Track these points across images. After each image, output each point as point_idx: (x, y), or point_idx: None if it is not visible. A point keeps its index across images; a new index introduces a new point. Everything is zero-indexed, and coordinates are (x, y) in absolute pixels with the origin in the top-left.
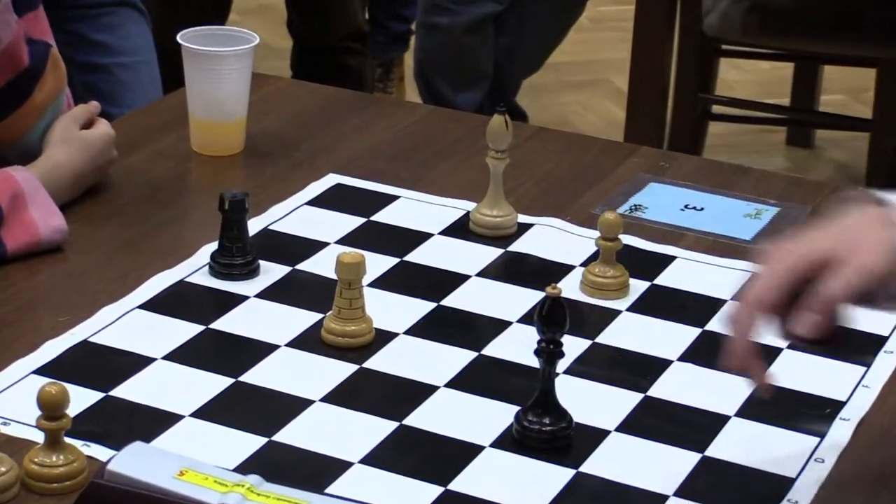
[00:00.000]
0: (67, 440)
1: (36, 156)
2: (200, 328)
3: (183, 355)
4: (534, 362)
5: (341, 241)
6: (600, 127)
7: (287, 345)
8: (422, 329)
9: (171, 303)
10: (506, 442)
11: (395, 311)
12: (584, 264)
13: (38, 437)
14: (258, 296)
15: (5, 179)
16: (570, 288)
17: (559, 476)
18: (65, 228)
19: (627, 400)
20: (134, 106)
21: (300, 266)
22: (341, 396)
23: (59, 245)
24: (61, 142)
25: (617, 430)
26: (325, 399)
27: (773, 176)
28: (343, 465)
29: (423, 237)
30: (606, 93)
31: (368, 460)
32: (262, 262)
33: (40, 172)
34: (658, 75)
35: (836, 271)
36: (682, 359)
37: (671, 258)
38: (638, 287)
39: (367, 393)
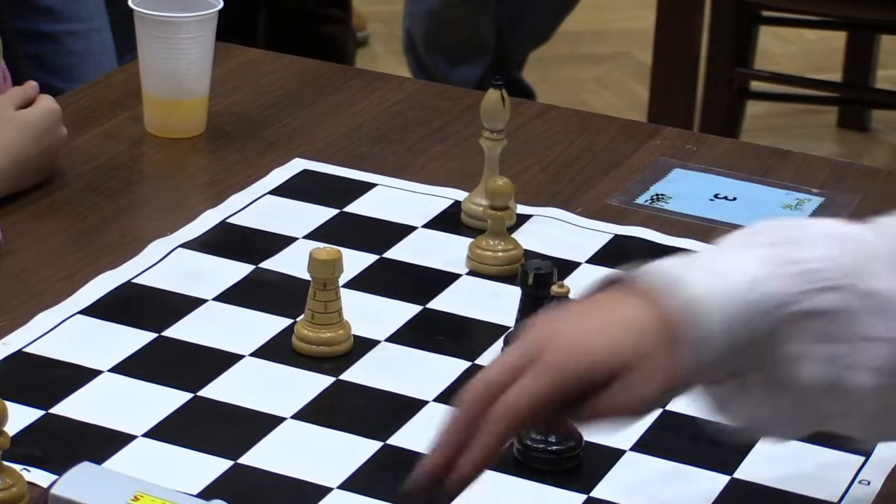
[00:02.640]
0: (4, 463)
1: None
2: (152, 336)
3: (133, 367)
4: None
5: (311, 236)
6: (619, 107)
7: (252, 354)
8: (407, 336)
9: (118, 307)
10: (506, 463)
11: (375, 315)
12: (590, 261)
13: None
14: (217, 299)
15: None
16: (577, 287)
17: (567, 502)
18: None
19: None
20: (87, 80)
21: (265, 264)
22: (316, 413)
23: None
24: None
25: (632, 449)
26: (298, 416)
27: (816, 161)
28: (320, 491)
29: (405, 230)
30: (627, 67)
31: (348, 485)
32: (220, 261)
33: None
34: (687, 47)
35: (521, 381)
36: None
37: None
38: None
39: (345, 409)
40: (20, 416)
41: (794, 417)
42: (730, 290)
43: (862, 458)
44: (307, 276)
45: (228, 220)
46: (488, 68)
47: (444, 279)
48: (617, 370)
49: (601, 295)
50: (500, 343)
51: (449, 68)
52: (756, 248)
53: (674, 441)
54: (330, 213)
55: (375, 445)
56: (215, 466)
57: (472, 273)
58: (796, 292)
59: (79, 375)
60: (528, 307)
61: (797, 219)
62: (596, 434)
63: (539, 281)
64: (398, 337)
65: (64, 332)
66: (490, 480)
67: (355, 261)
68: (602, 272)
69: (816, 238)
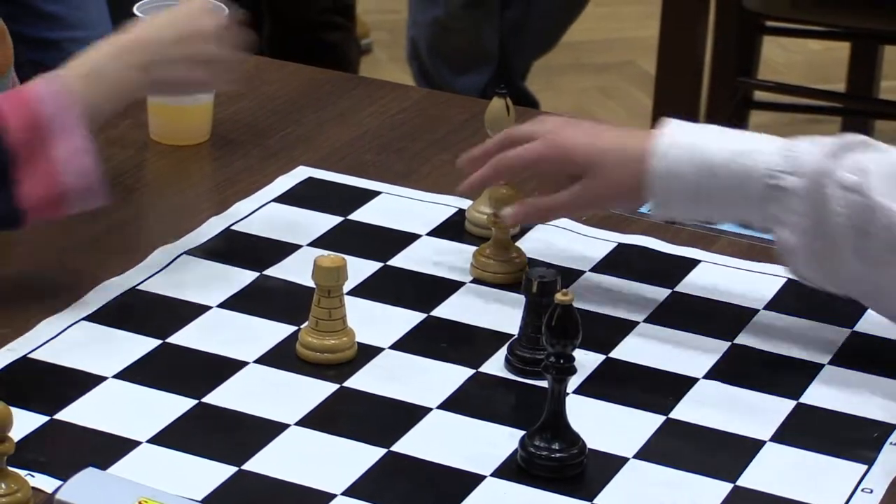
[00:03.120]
0: (9, 469)
1: None
2: (157, 342)
3: (137, 373)
4: (540, 380)
5: (315, 244)
6: (623, 116)
7: (257, 361)
8: (410, 343)
9: (122, 314)
10: (509, 471)
11: (379, 322)
12: (594, 269)
13: None
14: (221, 305)
15: (22, 102)
16: (579, 296)
17: None
18: (95, 171)
19: (647, 423)
20: None
21: (269, 272)
22: (320, 420)
23: (89, 198)
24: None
25: (636, 457)
26: (302, 423)
27: None
28: (323, 498)
29: (409, 238)
30: (631, 76)
31: (352, 492)
32: (225, 268)
33: (98, 57)
34: (691, 56)
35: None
36: (708, 376)
37: (694, 262)
38: (657, 295)
39: (349, 416)
40: (24, 422)
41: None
42: (714, 145)
43: (865, 466)
44: (311, 284)
45: (233, 228)
46: (492, 77)
47: (447, 287)
48: (588, 167)
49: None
50: (503, 351)
51: (452, 77)
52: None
53: (677, 449)
54: (334, 220)
55: (379, 452)
56: (219, 473)
57: (475, 281)
58: (782, 169)
59: (83, 381)
60: (533, 314)
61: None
62: (598, 440)
63: (543, 289)
64: (402, 344)
65: (68, 338)
66: (494, 488)
67: (359, 268)
68: (606, 281)
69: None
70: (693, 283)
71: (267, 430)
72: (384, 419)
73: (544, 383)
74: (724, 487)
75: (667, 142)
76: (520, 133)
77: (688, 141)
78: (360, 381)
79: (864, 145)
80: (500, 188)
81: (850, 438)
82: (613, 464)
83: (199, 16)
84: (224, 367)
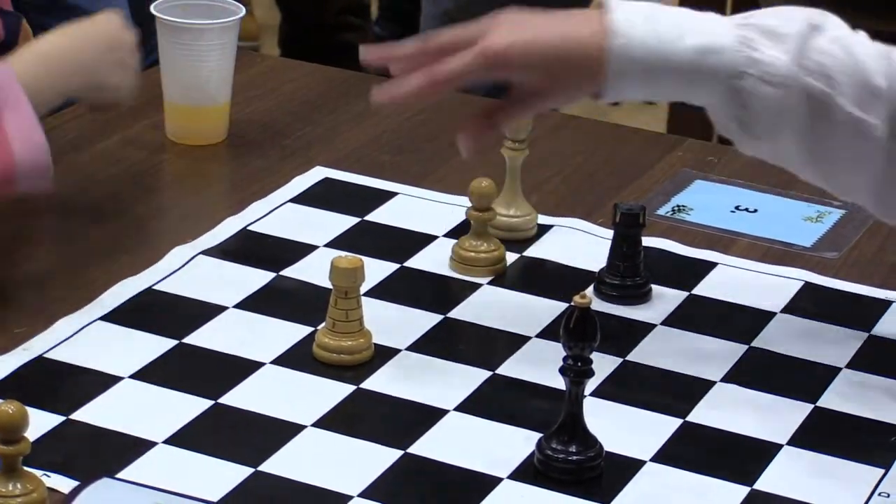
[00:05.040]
0: (25, 469)
1: None
2: (173, 343)
3: (154, 374)
4: (557, 382)
5: (332, 244)
6: (639, 118)
7: (273, 362)
8: (427, 344)
9: (139, 314)
10: (526, 473)
11: (396, 323)
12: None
13: None
14: (238, 306)
15: None
16: (597, 299)
17: None
18: (44, 146)
19: (664, 426)
20: None
21: (286, 272)
22: (337, 421)
23: (37, 176)
24: (54, 34)
25: (653, 460)
26: (319, 424)
27: None
28: (340, 499)
29: (426, 239)
30: None
31: (369, 493)
32: (241, 268)
33: (23, 60)
34: None
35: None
36: (725, 379)
37: (712, 265)
38: (675, 298)
39: (366, 417)
40: (40, 422)
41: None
42: (676, 39)
43: (882, 471)
44: (328, 285)
45: (249, 228)
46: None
47: (465, 288)
48: (536, 80)
49: (577, 10)
50: (519, 353)
51: None
52: (740, 28)
53: (694, 452)
54: (351, 221)
55: (396, 454)
56: (236, 474)
57: (491, 283)
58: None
59: (99, 381)
60: (616, 244)
61: (817, 14)
62: (615, 443)
63: (626, 220)
64: (419, 346)
65: (84, 338)
66: (510, 490)
67: (376, 269)
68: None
69: (800, 36)
70: (710, 286)
71: (283, 432)
72: (401, 421)
73: (561, 385)
74: (741, 491)
75: (623, 24)
76: (449, 40)
77: (642, 30)
78: (377, 382)
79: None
80: (482, 181)
81: (867, 442)
82: (631, 467)
83: (122, 28)
84: (240, 368)
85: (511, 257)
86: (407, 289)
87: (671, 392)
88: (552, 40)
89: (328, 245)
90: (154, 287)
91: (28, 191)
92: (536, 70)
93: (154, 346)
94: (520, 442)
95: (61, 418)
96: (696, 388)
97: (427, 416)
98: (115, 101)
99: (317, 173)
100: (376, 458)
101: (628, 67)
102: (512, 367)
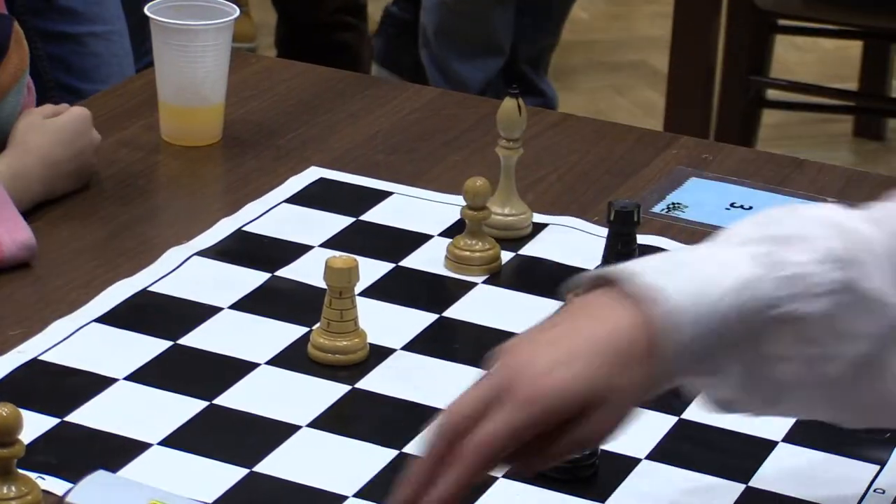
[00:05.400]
0: (19, 471)
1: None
2: (168, 344)
3: (148, 375)
4: None
5: (327, 244)
6: (636, 115)
7: (268, 363)
8: (422, 344)
9: (134, 315)
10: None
11: (391, 323)
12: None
13: None
14: (233, 307)
15: None
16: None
17: None
18: (33, 244)
19: (660, 423)
20: (109, 83)
21: (281, 273)
22: (332, 421)
23: (24, 262)
24: (26, 131)
25: (648, 458)
26: (314, 424)
27: (832, 170)
28: (335, 500)
29: (421, 239)
30: (643, 75)
31: (364, 493)
32: (236, 269)
33: (4, 170)
34: (703, 55)
35: (493, 414)
36: None
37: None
38: None
39: (361, 417)
40: (35, 424)
41: (766, 403)
42: (713, 295)
43: (877, 467)
44: (323, 285)
45: (244, 229)
46: (501, 70)
47: (460, 287)
48: (589, 402)
49: (584, 300)
50: None
51: (459, 63)
52: (748, 246)
53: (689, 450)
54: (346, 221)
55: (391, 454)
56: (231, 475)
57: (486, 282)
58: (785, 296)
59: (94, 383)
60: (610, 243)
61: (791, 207)
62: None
63: (620, 217)
64: (414, 345)
65: (79, 339)
66: (506, 489)
67: (371, 269)
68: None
69: (810, 234)
70: None
71: (278, 432)
72: (396, 421)
73: None
74: (737, 488)
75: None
76: (469, 404)
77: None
78: (372, 382)
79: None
80: (476, 179)
81: (863, 439)
82: (626, 465)
83: (88, 129)
84: (235, 369)
85: (506, 256)
86: (402, 288)
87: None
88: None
89: (323, 245)
90: (149, 288)
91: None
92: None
93: (149, 347)
94: None
95: (56, 420)
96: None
97: (422, 416)
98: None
99: (311, 173)
100: (371, 459)
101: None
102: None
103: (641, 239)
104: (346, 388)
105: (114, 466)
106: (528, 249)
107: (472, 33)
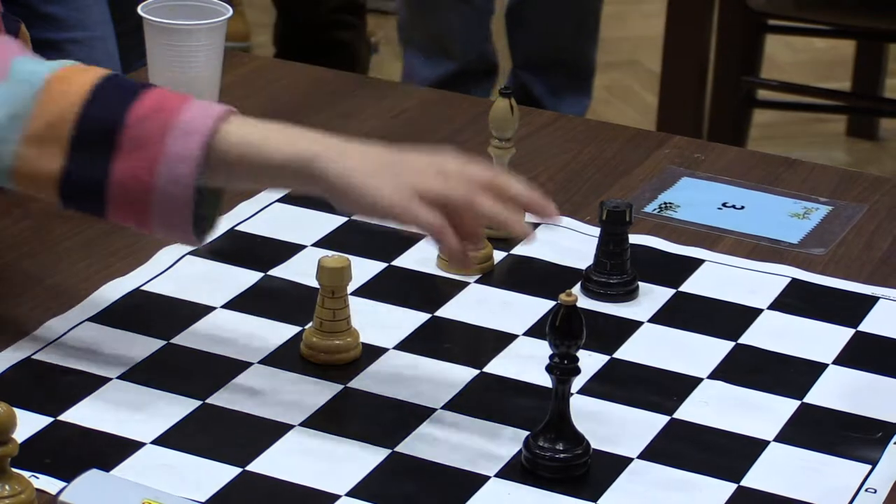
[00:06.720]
0: (13, 470)
1: None
2: (161, 343)
3: (141, 375)
4: (544, 380)
5: (319, 244)
6: (629, 114)
7: (261, 362)
8: (415, 343)
9: (127, 314)
10: (514, 471)
11: (383, 323)
12: None
13: None
14: (226, 306)
15: (169, 97)
16: (583, 296)
17: None
18: (188, 183)
19: (651, 423)
20: None
21: (273, 272)
22: (324, 420)
23: (174, 214)
24: None
25: (640, 457)
26: (306, 423)
27: (825, 170)
28: (328, 499)
29: (413, 238)
30: (636, 75)
31: (357, 493)
32: (229, 268)
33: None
34: (696, 55)
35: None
36: (712, 376)
37: (699, 262)
38: (662, 295)
39: (353, 416)
40: (29, 423)
41: None
42: None
43: (869, 467)
44: (315, 284)
45: (237, 228)
46: (458, 72)
47: (452, 287)
48: None
49: None
50: (507, 351)
51: (417, 61)
52: None
53: (681, 449)
54: (338, 220)
55: (384, 453)
56: (224, 474)
57: (479, 282)
58: None
59: (87, 382)
60: (602, 242)
61: None
62: (603, 441)
63: (612, 217)
64: (406, 345)
65: (73, 339)
66: (498, 488)
67: (364, 269)
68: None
69: None
70: (697, 284)
71: (271, 431)
72: (388, 420)
73: (548, 383)
74: (729, 487)
75: None
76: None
77: None
78: (365, 381)
79: None
80: None
81: (855, 438)
82: (618, 464)
83: None
84: (228, 368)
85: (498, 256)
86: (394, 288)
87: (658, 389)
88: None
89: (315, 245)
90: (142, 288)
91: (163, 229)
92: None
93: (142, 346)
94: (507, 440)
95: (50, 419)
96: (683, 385)
97: (414, 415)
98: None
99: None
100: (364, 458)
101: None
102: (499, 366)
103: (633, 239)
104: (338, 387)
105: (107, 465)
106: (521, 249)
107: (429, 31)
